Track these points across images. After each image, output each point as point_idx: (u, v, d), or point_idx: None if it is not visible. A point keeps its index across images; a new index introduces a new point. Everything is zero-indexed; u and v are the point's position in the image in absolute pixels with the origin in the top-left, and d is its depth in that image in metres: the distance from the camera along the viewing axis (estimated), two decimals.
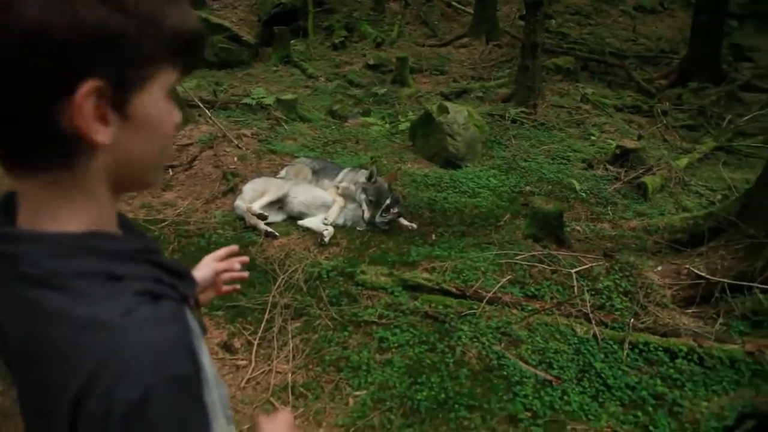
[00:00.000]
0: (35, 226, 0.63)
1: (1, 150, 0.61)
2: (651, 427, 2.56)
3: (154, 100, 0.63)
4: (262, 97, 6.64)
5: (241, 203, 4.24)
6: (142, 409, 0.54)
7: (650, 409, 2.66)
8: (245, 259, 1.21)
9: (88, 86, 0.56)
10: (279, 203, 4.30)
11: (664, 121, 7.34)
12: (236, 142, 5.54)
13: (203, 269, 1.12)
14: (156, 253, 0.68)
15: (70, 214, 0.63)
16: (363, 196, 4.25)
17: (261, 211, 4.07)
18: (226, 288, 1.17)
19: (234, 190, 4.63)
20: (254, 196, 4.25)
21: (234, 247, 1.21)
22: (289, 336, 3.06)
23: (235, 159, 5.27)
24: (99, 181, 0.63)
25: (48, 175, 0.61)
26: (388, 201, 4.22)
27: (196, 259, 1.17)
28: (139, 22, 0.58)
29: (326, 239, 3.94)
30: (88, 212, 0.64)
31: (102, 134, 0.59)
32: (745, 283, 3.39)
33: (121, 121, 0.61)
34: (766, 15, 12.02)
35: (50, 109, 0.57)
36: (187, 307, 0.67)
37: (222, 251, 1.18)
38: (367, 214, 4.19)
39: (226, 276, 1.16)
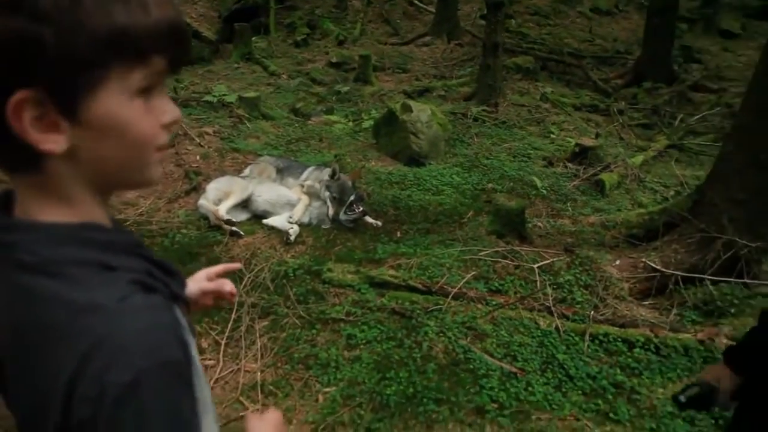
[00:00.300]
0: (28, 216, 0.64)
1: None
2: (611, 414, 2.66)
3: (114, 102, 0.61)
4: (224, 95, 6.55)
5: (204, 202, 4.19)
6: (134, 393, 0.55)
7: (610, 397, 2.76)
8: (236, 266, 1.21)
9: (16, 98, 0.56)
10: (243, 202, 4.26)
11: (621, 120, 7.58)
12: (198, 141, 5.46)
13: (192, 285, 1.09)
14: (145, 248, 0.70)
15: (55, 211, 0.64)
16: (327, 194, 4.26)
17: (229, 217, 4.02)
18: (207, 303, 1.13)
19: (197, 189, 4.57)
20: (218, 196, 4.20)
21: (235, 265, 1.20)
22: (257, 335, 3.05)
23: (198, 157, 5.19)
24: (74, 183, 0.64)
25: (25, 176, 0.63)
26: (352, 198, 4.24)
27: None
28: (61, 29, 0.56)
29: (292, 238, 3.93)
30: (69, 212, 0.65)
31: (52, 143, 0.59)
32: (697, 275, 3.55)
33: (77, 128, 0.60)
34: (713, 19, 12.55)
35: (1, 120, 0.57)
36: (176, 306, 0.68)
37: (219, 268, 1.14)
38: (331, 211, 4.21)
39: (209, 300, 1.12)
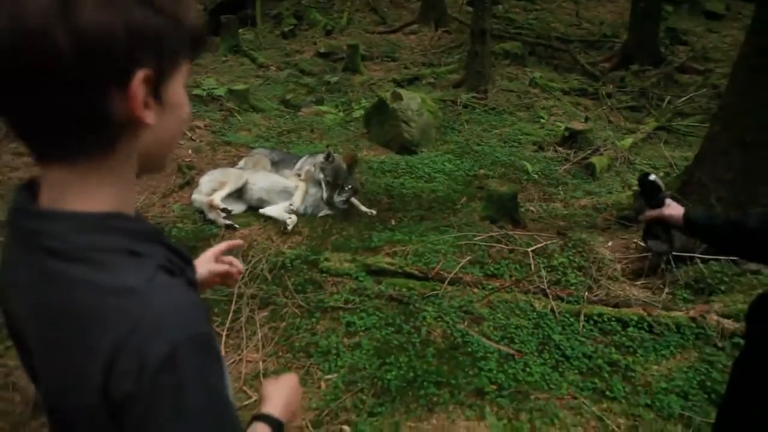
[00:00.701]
0: (56, 206, 0.67)
1: (42, 139, 0.66)
2: (608, 392, 2.72)
3: (178, 87, 0.71)
4: (213, 88, 6.54)
5: (198, 196, 4.20)
6: (171, 363, 0.60)
7: (606, 375, 2.82)
8: (239, 242, 1.28)
9: (140, 76, 0.63)
10: (238, 192, 4.27)
11: (609, 103, 7.63)
12: (189, 135, 5.45)
13: (201, 267, 1.14)
14: (165, 236, 0.74)
15: (97, 196, 0.68)
16: (321, 176, 4.29)
17: (225, 206, 4.02)
18: (215, 281, 1.20)
19: (190, 183, 4.57)
20: (212, 186, 4.20)
21: (237, 242, 1.26)
22: (258, 325, 3.08)
23: (190, 151, 5.19)
24: (131, 164, 0.71)
25: (86, 160, 0.67)
26: (345, 181, 4.27)
27: None
28: (172, 21, 0.66)
29: (289, 227, 3.95)
30: (114, 194, 0.69)
31: (149, 118, 0.66)
32: (687, 254, 3.61)
33: (158, 107, 0.68)
34: (697, 1, 12.61)
35: (106, 98, 0.63)
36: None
37: (223, 246, 1.21)
38: (326, 194, 4.24)
39: (217, 279, 1.19)
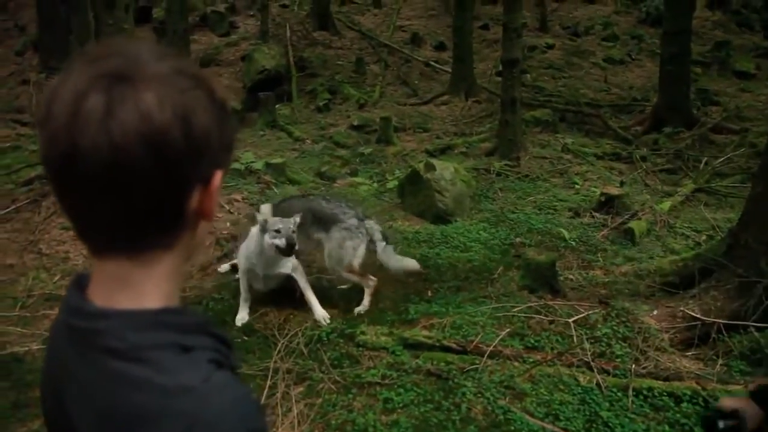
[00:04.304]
0: (110, 303, 0.69)
1: (113, 235, 0.68)
2: None
3: (218, 187, 0.76)
4: (251, 162, 6.75)
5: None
6: None
7: None
8: None
9: (219, 176, 0.71)
10: None
11: (644, 167, 7.56)
12: (227, 207, 5.59)
13: None
14: (212, 324, 0.75)
15: (153, 288, 0.71)
16: (276, 241, 3.58)
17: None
18: None
19: (228, 256, 4.66)
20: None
21: None
22: (293, 401, 3.03)
23: (228, 224, 5.31)
24: (184, 256, 0.74)
25: (151, 253, 0.70)
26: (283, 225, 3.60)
27: None
28: (234, 128, 0.77)
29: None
30: (168, 285, 0.72)
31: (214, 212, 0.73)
32: (740, 323, 3.44)
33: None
34: (726, 61, 12.65)
35: (191, 195, 0.68)
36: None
37: None
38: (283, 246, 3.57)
39: None
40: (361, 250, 4.01)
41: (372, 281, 3.96)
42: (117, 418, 0.65)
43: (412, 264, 4.16)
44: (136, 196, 0.64)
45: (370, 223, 4.12)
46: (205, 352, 0.69)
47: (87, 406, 0.68)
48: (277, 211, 3.95)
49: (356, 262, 3.96)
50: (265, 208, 4.02)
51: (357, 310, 3.90)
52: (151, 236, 0.69)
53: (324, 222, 4.00)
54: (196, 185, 0.68)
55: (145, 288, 0.70)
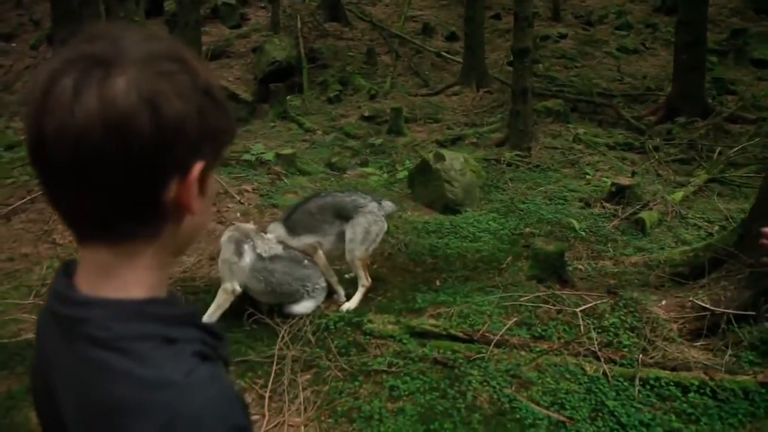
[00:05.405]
0: (96, 291, 0.69)
1: (93, 223, 0.68)
2: None
3: (212, 179, 0.75)
4: (262, 153, 6.78)
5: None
6: None
7: None
8: None
9: (198, 167, 0.68)
10: None
11: (657, 157, 7.48)
12: (238, 198, 5.63)
13: None
14: (198, 316, 0.75)
15: (136, 279, 0.70)
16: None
17: None
18: None
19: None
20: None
21: None
22: (300, 388, 3.06)
23: (238, 214, 5.35)
24: (169, 249, 0.73)
25: (131, 244, 0.69)
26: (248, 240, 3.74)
27: None
28: (227, 118, 0.73)
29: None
30: (152, 279, 0.71)
31: (195, 205, 0.70)
32: (750, 313, 3.41)
33: (199, 195, 0.71)
34: (743, 49, 12.43)
35: (166, 185, 0.66)
36: (223, 367, 0.73)
37: None
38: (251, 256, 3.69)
39: None
40: (380, 237, 4.03)
41: (367, 282, 3.95)
42: (96, 408, 0.64)
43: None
44: (103, 183, 0.63)
45: (387, 203, 4.15)
46: (191, 344, 0.68)
47: (69, 393, 0.68)
48: (291, 223, 3.97)
49: (371, 249, 3.98)
50: (275, 228, 4.00)
51: (344, 307, 3.81)
52: (127, 226, 0.67)
53: (347, 213, 3.99)
54: (173, 175, 0.66)
55: (128, 279, 0.69)
